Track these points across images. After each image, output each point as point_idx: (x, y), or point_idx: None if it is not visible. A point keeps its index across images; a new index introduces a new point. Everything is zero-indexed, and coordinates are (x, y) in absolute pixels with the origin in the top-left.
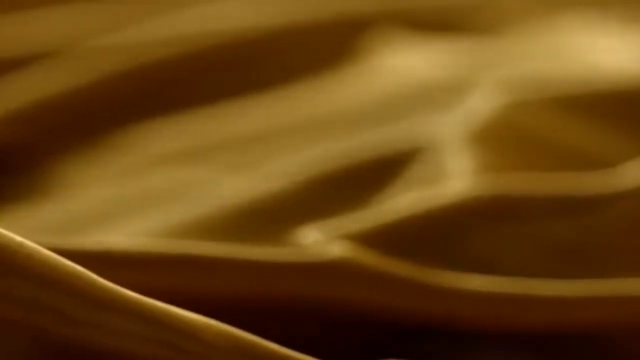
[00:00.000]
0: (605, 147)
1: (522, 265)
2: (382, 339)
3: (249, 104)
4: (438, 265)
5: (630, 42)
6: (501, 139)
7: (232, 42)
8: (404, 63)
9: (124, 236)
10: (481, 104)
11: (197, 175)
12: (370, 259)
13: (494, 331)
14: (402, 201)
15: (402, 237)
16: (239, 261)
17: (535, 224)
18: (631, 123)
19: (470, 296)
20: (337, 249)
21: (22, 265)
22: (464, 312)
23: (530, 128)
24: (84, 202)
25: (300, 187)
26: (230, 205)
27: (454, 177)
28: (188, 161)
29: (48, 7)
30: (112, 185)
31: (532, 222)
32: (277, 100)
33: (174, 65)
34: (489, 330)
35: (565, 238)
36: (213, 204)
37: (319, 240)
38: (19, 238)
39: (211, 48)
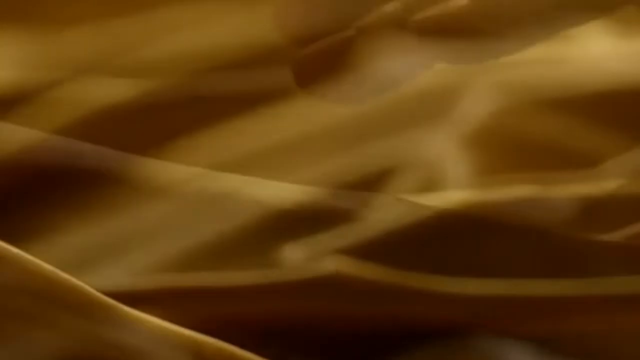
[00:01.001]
0: (595, 146)
1: (517, 268)
2: (380, 348)
3: (251, 120)
4: (433, 272)
5: (625, 44)
6: (495, 142)
7: (248, 55)
8: (398, 69)
9: (121, 274)
10: (475, 108)
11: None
12: (364, 271)
13: (493, 333)
14: (395, 210)
15: (395, 247)
16: (235, 288)
17: (526, 227)
18: (621, 122)
19: (468, 300)
20: (330, 264)
21: (19, 279)
22: (462, 315)
23: (523, 130)
24: (83, 240)
25: (299, 202)
26: (227, 228)
27: (449, 183)
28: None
29: (78, 24)
30: (111, 219)
31: (523, 225)
32: (275, 115)
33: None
34: (488, 333)
35: (557, 239)
36: (213, 227)
37: (311, 257)
38: (15, 250)
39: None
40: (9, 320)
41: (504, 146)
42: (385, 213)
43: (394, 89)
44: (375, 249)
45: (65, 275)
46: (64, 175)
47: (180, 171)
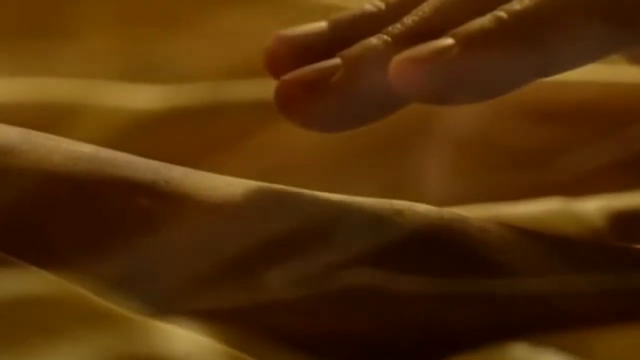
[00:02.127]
0: (562, 146)
1: (514, 268)
2: (411, 357)
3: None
4: (453, 276)
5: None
6: (476, 147)
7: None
8: (383, 100)
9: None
10: (462, 116)
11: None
12: (379, 280)
13: (525, 338)
14: (390, 220)
15: (416, 252)
16: (261, 304)
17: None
18: (586, 126)
19: (496, 299)
20: (346, 276)
21: (45, 292)
22: (493, 318)
23: (500, 136)
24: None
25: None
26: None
27: (438, 187)
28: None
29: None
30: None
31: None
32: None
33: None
34: (520, 338)
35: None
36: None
37: (334, 267)
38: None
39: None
40: (36, 334)
41: (485, 149)
42: (407, 219)
43: (378, 118)
44: (397, 256)
45: (63, 281)
46: (102, 187)
47: (215, 180)
